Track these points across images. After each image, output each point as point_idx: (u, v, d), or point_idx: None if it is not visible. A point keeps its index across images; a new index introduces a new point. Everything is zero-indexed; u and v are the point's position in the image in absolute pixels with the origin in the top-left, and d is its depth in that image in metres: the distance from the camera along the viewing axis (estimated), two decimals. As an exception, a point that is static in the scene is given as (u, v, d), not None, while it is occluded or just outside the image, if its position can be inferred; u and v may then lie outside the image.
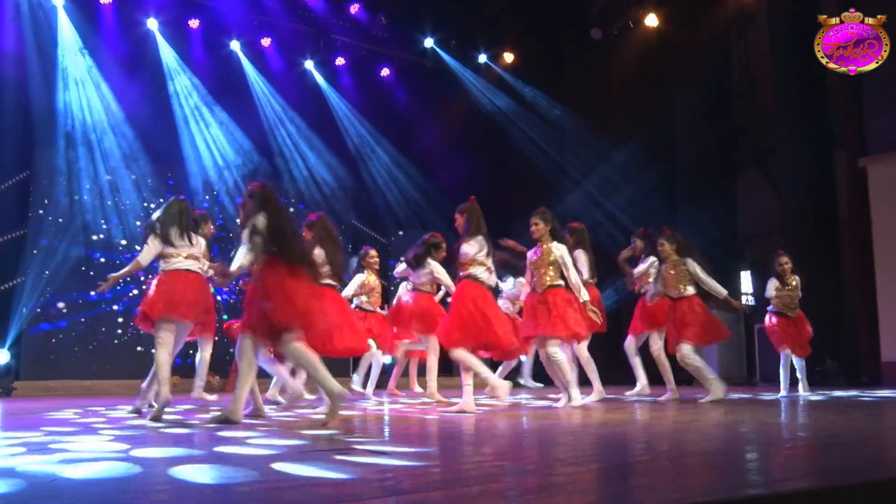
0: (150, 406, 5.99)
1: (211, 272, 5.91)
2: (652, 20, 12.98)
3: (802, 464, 3.02)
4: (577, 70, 14.13)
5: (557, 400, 6.82)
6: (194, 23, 12.27)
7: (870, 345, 10.81)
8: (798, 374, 8.39)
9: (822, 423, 4.76)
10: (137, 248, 8.41)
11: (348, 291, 7.66)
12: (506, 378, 7.73)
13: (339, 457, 3.18)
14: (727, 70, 13.44)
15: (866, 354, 10.91)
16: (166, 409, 5.44)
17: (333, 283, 6.56)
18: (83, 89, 11.34)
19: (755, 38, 13.06)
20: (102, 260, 11.15)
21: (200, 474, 2.79)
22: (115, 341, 11.17)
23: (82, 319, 11.10)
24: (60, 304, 10.94)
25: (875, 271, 10.66)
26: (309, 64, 13.61)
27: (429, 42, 13.95)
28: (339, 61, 13.84)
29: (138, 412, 5.95)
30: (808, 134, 11.52)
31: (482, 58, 14.54)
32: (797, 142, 11.65)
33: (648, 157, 12.75)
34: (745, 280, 12.15)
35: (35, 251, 10.69)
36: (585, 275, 7.38)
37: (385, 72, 14.27)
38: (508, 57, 14.48)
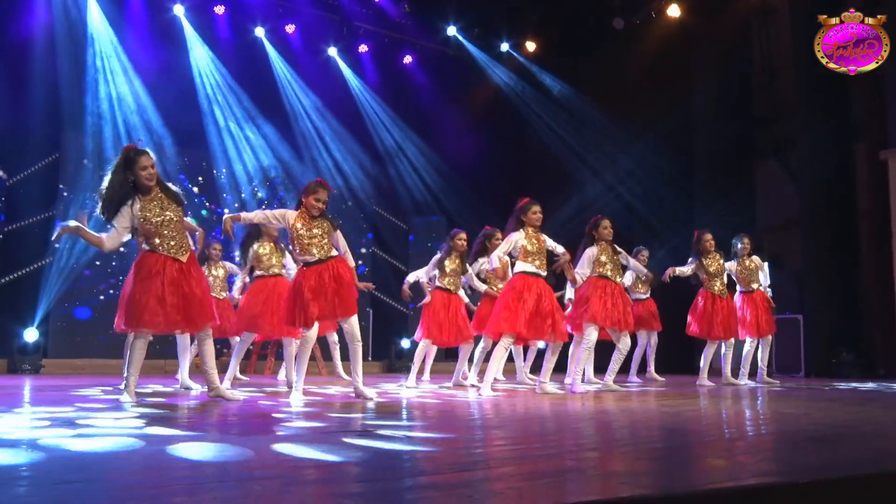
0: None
1: None
2: (674, 10, 12.93)
3: (817, 454, 3.08)
4: (598, 60, 14.09)
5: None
6: (220, 9, 12.38)
7: (887, 337, 10.79)
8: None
9: (838, 415, 4.81)
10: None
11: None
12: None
13: (347, 440, 3.27)
14: (748, 61, 13.37)
15: (883, 347, 10.90)
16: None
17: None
18: (111, 74, 11.49)
19: (777, 28, 12.98)
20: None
21: (198, 452, 2.87)
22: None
23: (103, 298, 11.29)
24: (88, 285, 11.16)
25: (893, 263, 10.64)
26: (332, 51, 13.67)
27: (451, 30, 13.97)
28: (362, 48, 13.89)
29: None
30: (829, 125, 11.45)
31: (504, 46, 14.52)
32: (817, 133, 11.59)
33: (667, 148, 12.73)
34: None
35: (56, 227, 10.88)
36: None
37: (407, 59, 14.30)
38: (530, 45, 14.46)
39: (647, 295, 9.69)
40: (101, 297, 11.34)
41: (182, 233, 5.33)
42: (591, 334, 7.21)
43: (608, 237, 7.41)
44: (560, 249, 6.87)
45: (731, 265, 8.83)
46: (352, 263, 5.93)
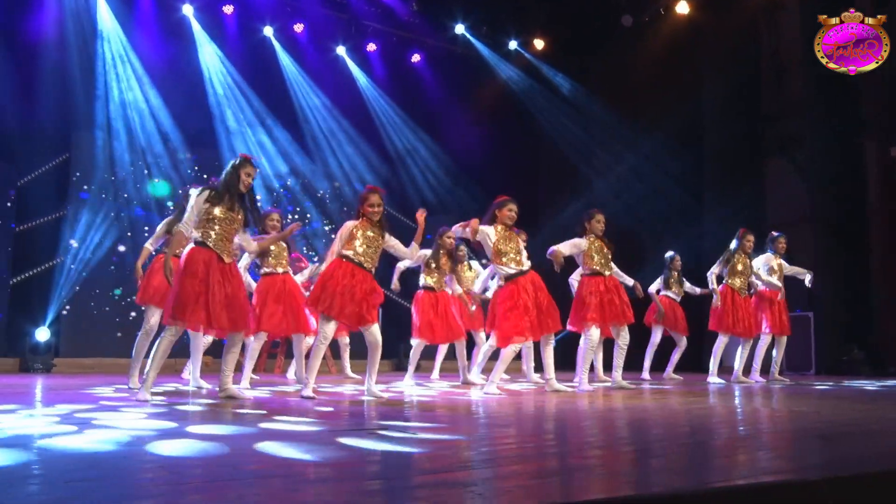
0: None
1: None
2: (683, 8, 12.90)
3: (828, 452, 3.07)
4: (606, 57, 14.08)
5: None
6: (228, 9, 12.42)
7: (897, 335, 10.77)
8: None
9: (849, 413, 4.80)
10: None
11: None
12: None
13: (357, 438, 3.28)
14: (756, 58, 13.33)
15: (893, 344, 10.86)
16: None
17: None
18: (121, 74, 11.54)
19: (785, 25, 12.93)
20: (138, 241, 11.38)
21: (209, 450, 2.90)
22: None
23: (118, 298, 11.34)
24: (99, 283, 11.22)
25: (904, 260, 10.61)
26: (341, 50, 13.69)
27: (459, 28, 13.98)
28: (371, 47, 13.91)
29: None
30: (838, 122, 11.42)
31: (512, 44, 14.53)
32: (826, 130, 11.55)
33: (676, 145, 12.71)
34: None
35: (74, 232, 10.94)
36: None
37: (416, 58, 14.31)
38: (539, 43, 14.46)
39: (679, 297, 9.66)
40: (113, 297, 11.39)
41: (231, 241, 5.40)
42: (593, 334, 7.21)
43: (599, 231, 7.36)
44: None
45: (769, 259, 8.95)
46: (416, 250, 6.19)
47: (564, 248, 7.17)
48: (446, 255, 8.02)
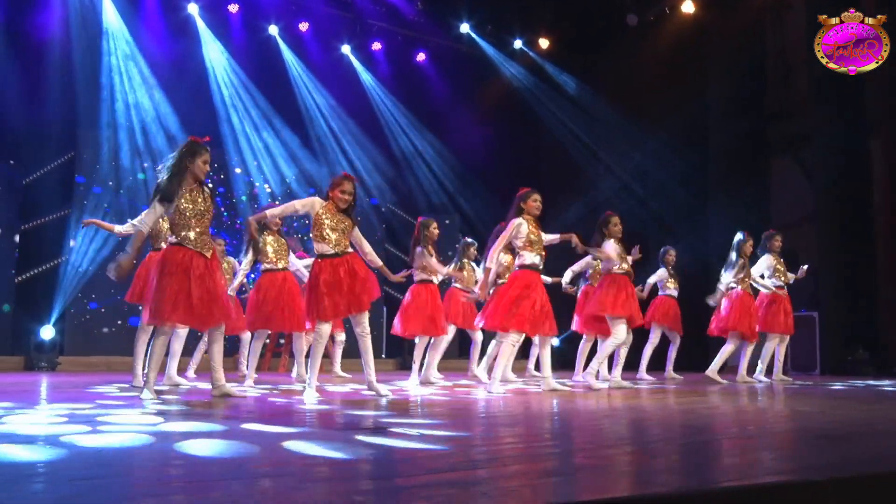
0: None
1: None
2: (688, 6, 12.90)
3: (832, 452, 3.07)
4: (611, 56, 14.07)
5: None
6: (234, 7, 12.44)
7: (902, 335, 10.75)
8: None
9: (853, 413, 4.79)
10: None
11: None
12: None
13: (360, 437, 3.27)
14: (762, 57, 13.31)
15: (898, 345, 10.85)
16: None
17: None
18: (126, 73, 11.57)
19: (790, 24, 12.92)
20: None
21: (213, 449, 2.90)
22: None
23: (119, 297, 11.36)
24: (103, 282, 11.22)
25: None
26: (346, 48, 13.71)
27: (464, 27, 13.98)
28: (376, 46, 13.92)
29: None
30: (844, 121, 11.40)
31: (517, 43, 14.53)
32: (832, 129, 11.53)
33: (681, 144, 12.70)
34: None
35: (79, 230, 10.96)
36: None
37: (421, 57, 14.32)
38: (544, 43, 14.46)
39: (676, 293, 9.65)
40: (118, 296, 11.40)
41: (208, 231, 5.34)
42: (622, 329, 7.29)
43: (618, 234, 7.50)
44: (553, 236, 6.80)
45: (768, 259, 8.92)
46: (377, 262, 6.14)
47: (611, 253, 7.34)
48: (433, 246, 7.91)
